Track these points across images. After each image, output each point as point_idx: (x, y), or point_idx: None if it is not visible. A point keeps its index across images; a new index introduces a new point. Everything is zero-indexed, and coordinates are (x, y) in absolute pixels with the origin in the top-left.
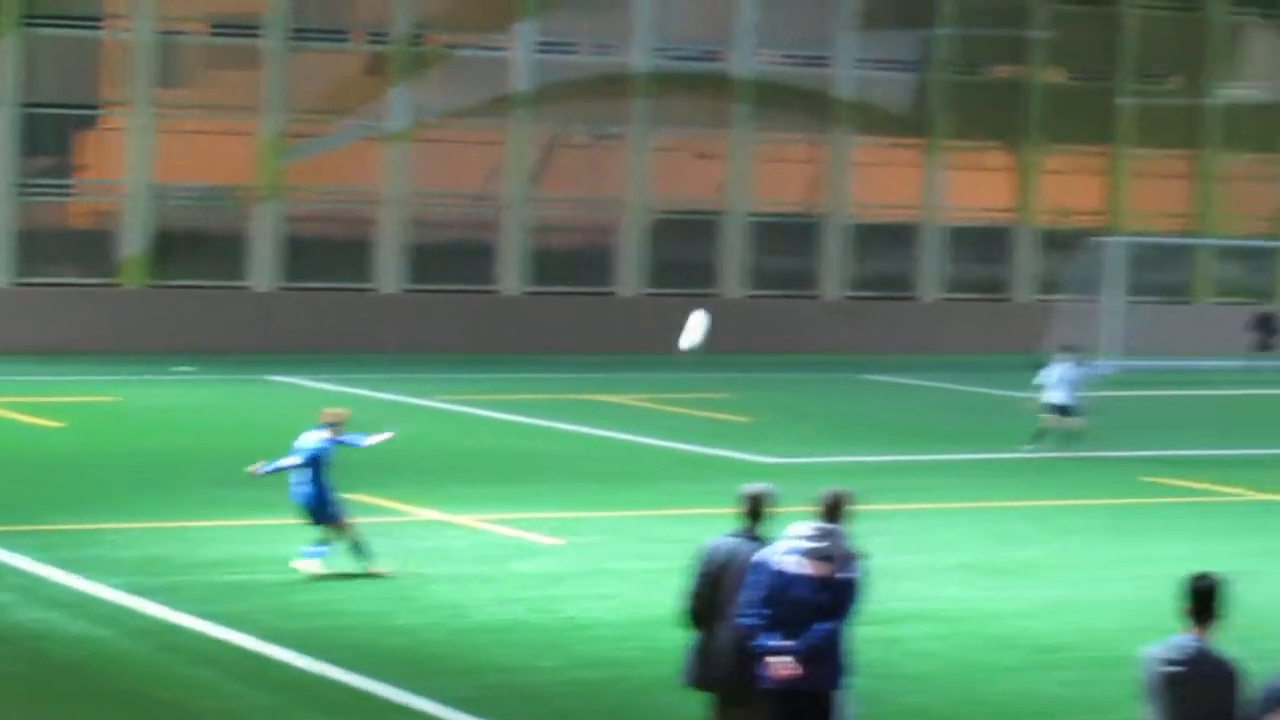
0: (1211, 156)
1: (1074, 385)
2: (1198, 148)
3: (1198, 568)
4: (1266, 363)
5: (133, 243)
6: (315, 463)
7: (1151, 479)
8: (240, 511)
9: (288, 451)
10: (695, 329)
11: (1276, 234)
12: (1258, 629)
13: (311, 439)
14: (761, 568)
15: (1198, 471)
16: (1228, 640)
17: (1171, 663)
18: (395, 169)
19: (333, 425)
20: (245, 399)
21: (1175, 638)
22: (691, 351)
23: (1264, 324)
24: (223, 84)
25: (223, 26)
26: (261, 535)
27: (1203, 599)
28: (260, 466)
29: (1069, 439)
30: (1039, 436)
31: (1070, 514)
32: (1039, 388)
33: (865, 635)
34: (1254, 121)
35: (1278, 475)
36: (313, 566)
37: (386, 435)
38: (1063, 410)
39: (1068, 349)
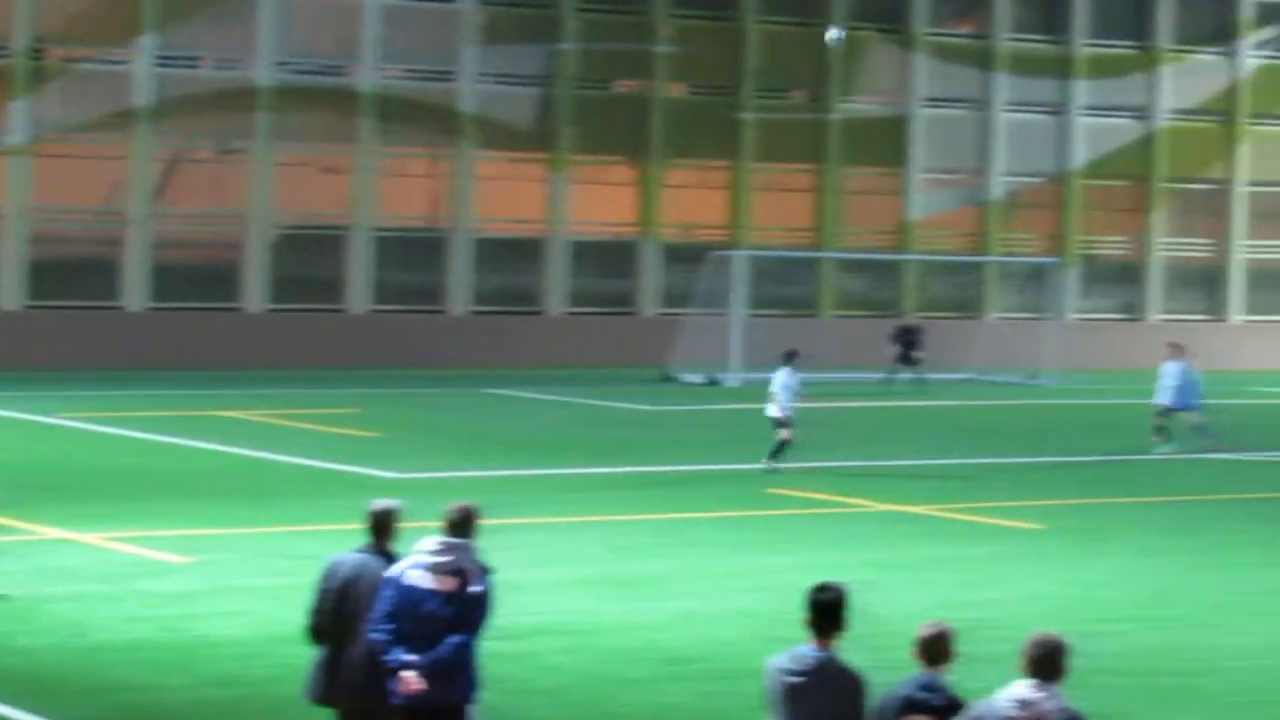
0: (834, 170)
1: (792, 393)
2: (820, 162)
3: (821, 578)
4: (904, 375)
5: None
6: None
7: (775, 491)
8: None
9: None
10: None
11: (899, 247)
12: (883, 638)
13: None
14: (391, 583)
15: (821, 483)
16: (854, 650)
17: (793, 673)
18: (15, 184)
19: None
20: None
21: (798, 648)
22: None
23: (905, 337)
24: None
25: None
26: None
27: (824, 610)
28: None
29: (780, 451)
30: (780, 450)
31: (694, 526)
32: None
33: (494, 649)
34: (875, 135)
35: (899, 486)
36: None
37: None
38: (779, 422)
39: (789, 355)
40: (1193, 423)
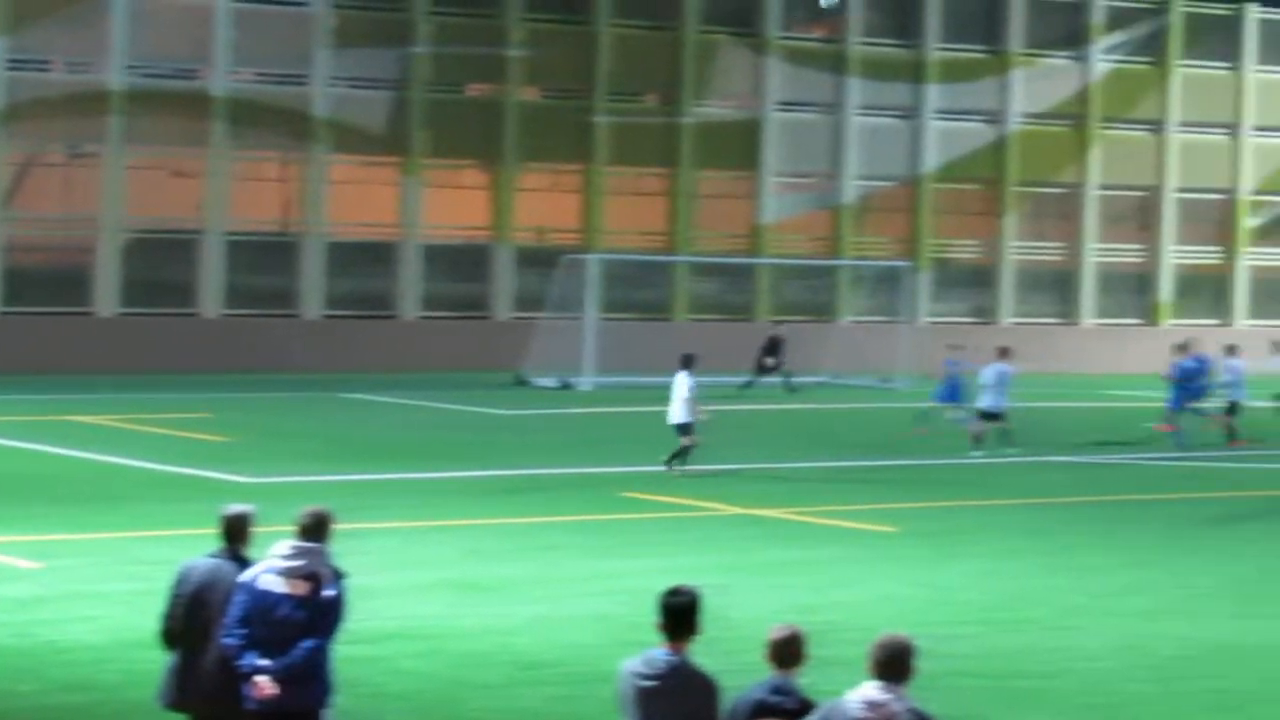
0: (687, 174)
1: (693, 397)
2: (673, 166)
3: (674, 582)
4: (768, 380)
5: None
6: None
7: (630, 494)
8: None
9: None
10: None
11: (752, 251)
12: (735, 641)
13: None
14: (244, 588)
15: (675, 487)
16: (706, 653)
17: (646, 676)
18: None
19: None
20: None
21: (651, 651)
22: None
23: (769, 346)
24: None
25: None
26: None
27: (677, 613)
28: None
29: (683, 455)
30: (682, 455)
31: (548, 531)
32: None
33: (347, 654)
34: (727, 139)
35: (752, 489)
36: None
37: None
38: (682, 428)
39: (687, 360)
40: (957, 419)
